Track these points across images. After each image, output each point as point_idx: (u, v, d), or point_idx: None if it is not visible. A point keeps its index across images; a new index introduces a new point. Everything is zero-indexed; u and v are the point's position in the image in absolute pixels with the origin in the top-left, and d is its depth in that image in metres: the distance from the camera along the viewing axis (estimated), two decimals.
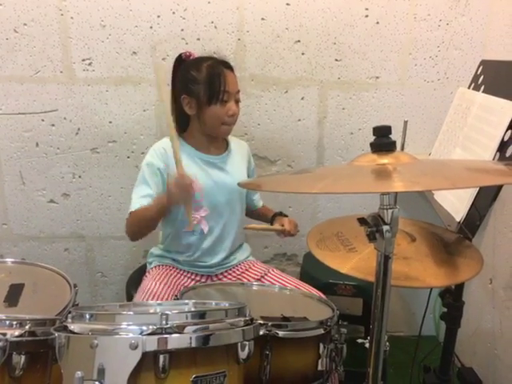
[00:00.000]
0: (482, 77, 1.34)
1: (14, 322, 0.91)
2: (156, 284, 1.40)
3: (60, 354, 0.81)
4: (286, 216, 1.53)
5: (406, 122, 1.24)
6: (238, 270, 1.53)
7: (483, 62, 1.39)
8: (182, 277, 1.48)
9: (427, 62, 1.81)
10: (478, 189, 1.09)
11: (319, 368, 1.07)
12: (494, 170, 0.88)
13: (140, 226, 1.37)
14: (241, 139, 1.64)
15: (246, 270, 1.53)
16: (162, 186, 1.37)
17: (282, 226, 1.46)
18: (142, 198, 1.36)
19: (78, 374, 0.74)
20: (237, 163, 1.51)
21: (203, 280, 1.48)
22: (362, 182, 0.79)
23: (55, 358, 0.83)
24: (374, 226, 0.79)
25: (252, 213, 1.64)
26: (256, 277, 1.50)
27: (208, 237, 1.45)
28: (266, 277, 1.50)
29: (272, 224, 1.52)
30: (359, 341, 1.21)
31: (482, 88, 1.30)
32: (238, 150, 1.54)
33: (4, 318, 0.92)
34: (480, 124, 1.21)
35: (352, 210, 1.92)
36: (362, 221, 0.81)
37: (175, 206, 1.29)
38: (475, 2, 1.75)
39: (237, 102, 1.40)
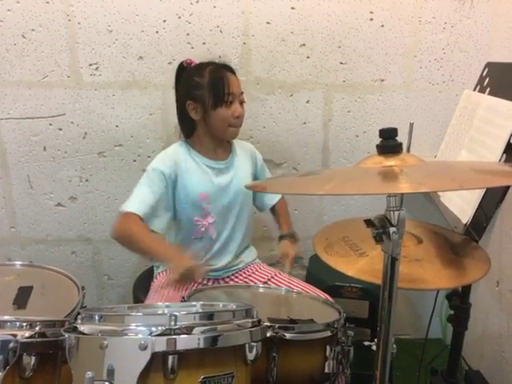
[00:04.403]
0: (487, 79, 1.34)
1: (24, 324, 0.91)
2: (164, 289, 1.41)
3: (70, 355, 0.81)
4: (293, 238, 1.53)
5: (411, 124, 1.25)
6: (244, 272, 1.53)
7: (488, 64, 1.39)
8: None
9: (432, 65, 1.81)
10: (484, 190, 1.10)
11: (326, 370, 1.08)
12: (501, 171, 0.88)
13: (131, 242, 1.34)
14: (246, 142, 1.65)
15: (253, 272, 1.54)
16: (166, 191, 1.37)
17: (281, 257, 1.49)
18: (140, 202, 1.33)
19: (89, 374, 0.74)
20: (242, 165, 1.52)
21: (210, 283, 1.49)
22: (369, 184, 0.79)
23: (64, 358, 0.84)
24: (380, 228, 0.80)
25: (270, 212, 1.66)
26: (262, 279, 1.50)
27: (216, 241, 1.46)
28: (272, 279, 1.50)
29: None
30: (366, 343, 1.20)
31: (488, 90, 1.30)
32: (242, 151, 1.55)
33: (14, 319, 0.92)
34: (486, 126, 1.21)
35: (357, 212, 1.92)
36: (368, 222, 0.81)
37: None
38: (480, 5, 1.75)
39: (241, 103, 1.42)
